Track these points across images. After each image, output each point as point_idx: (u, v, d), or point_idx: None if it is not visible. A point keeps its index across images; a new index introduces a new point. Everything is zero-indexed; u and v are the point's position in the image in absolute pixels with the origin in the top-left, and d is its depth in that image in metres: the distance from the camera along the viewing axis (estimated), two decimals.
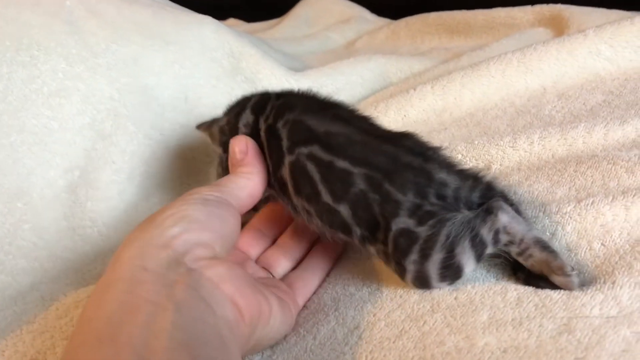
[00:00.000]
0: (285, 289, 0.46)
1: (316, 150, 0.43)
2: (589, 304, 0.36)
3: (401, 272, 0.41)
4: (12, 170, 0.58)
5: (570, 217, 0.45)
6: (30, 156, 0.60)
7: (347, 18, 1.33)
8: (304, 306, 0.47)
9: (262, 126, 0.49)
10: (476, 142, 0.58)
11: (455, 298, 0.40)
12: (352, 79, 0.87)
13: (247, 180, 0.46)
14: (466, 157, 0.57)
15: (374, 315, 0.41)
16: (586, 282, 0.40)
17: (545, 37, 0.93)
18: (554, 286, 0.39)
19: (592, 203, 0.45)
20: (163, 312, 0.32)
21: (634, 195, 0.43)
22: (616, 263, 0.40)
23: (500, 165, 0.56)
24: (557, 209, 0.46)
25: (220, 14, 0.94)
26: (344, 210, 0.42)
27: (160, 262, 0.35)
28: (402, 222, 0.40)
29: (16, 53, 0.61)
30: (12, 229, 0.57)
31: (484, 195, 0.43)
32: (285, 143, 0.45)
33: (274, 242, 0.53)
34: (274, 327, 0.40)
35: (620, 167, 0.48)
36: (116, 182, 0.65)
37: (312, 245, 0.53)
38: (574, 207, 0.45)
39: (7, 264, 0.56)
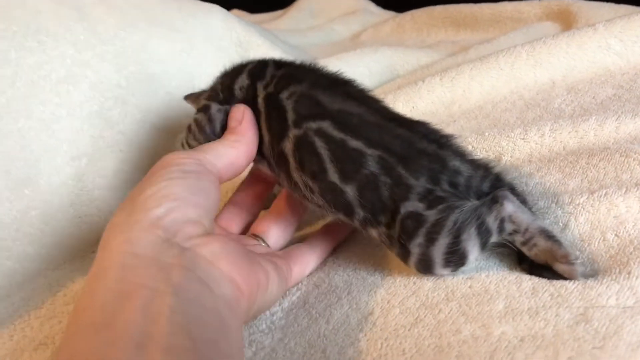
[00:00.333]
0: (278, 254, 0.45)
1: (327, 126, 0.42)
2: (605, 294, 0.36)
3: (405, 255, 0.41)
4: (20, 156, 0.58)
5: (583, 208, 0.45)
6: (37, 143, 0.59)
7: (352, 10, 1.33)
8: (315, 285, 0.46)
9: (261, 93, 0.47)
10: (486, 134, 0.58)
11: (470, 287, 0.40)
12: (359, 71, 0.87)
13: (231, 149, 0.44)
14: (477, 148, 0.57)
15: (388, 302, 0.41)
16: (590, 273, 0.40)
17: (553, 31, 0.93)
18: (556, 276, 0.39)
19: (605, 194, 0.45)
20: (160, 296, 0.31)
21: None
22: (631, 254, 0.40)
23: (511, 156, 0.56)
24: (569, 200, 0.46)
25: (224, 5, 0.94)
26: (350, 190, 0.41)
27: (151, 245, 0.34)
28: (412, 205, 0.40)
29: (24, 39, 0.60)
30: (19, 215, 0.57)
31: (494, 185, 0.43)
32: (290, 115, 0.44)
33: (254, 217, 0.52)
34: (272, 293, 0.40)
35: (633, 160, 0.48)
36: (123, 171, 0.65)
37: (301, 217, 0.52)
38: (587, 198, 0.45)
39: (14, 251, 0.56)
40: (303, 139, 0.43)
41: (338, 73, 0.48)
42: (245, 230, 0.52)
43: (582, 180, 0.49)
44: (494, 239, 0.40)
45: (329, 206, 0.43)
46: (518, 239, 0.41)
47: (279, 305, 0.45)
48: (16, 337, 0.48)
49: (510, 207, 0.40)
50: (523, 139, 0.56)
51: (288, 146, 0.44)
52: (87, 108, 0.63)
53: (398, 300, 0.41)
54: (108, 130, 0.64)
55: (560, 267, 0.39)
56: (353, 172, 0.41)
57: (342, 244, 0.52)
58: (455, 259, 0.39)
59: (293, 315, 0.43)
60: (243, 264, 0.37)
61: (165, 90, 0.70)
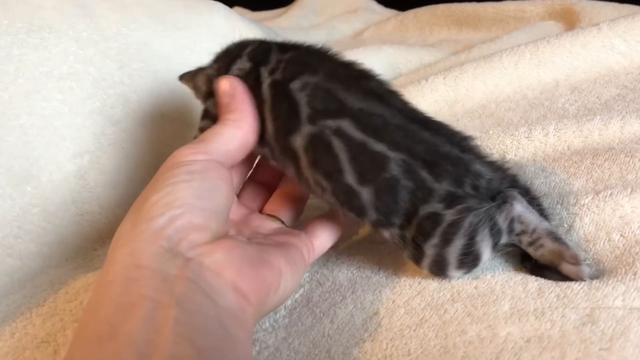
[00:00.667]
0: (297, 234, 0.44)
1: (347, 126, 0.40)
2: (611, 295, 0.36)
3: (418, 256, 0.40)
4: (22, 153, 0.58)
5: (589, 209, 0.45)
6: (39, 139, 0.59)
7: (354, 8, 1.33)
8: (319, 283, 0.46)
9: (265, 79, 0.43)
10: (490, 132, 0.58)
11: (475, 287, 0.40)
12: None
13: (236, 130, 0.42)
14: (481, 146, 0.57)
15: (393, 302, 0.41)
16: (596, 274, 0.40)
17: (556, 30, 0.93)
18: (560, 276, 0.40)
19: (610, 195, 0.45)
20: (164, 308, 0.31)
21: None
22: (637, 254, 0.39)
23: (515, 155, 0.56)
24: (574, 201, 0.46)
25: (226, 2, 0.93)
26: (366, 193, 0.40)
27: (154, 256, 0.33)
28: (432, 207, 0.39)
29: (27, 35, 0.60)
30: (21, 212, 0.57)
31: (511, 186, 0.43)
32: (304, 110, 0.41)
33: (272, 192, 0.51)
34: (286, 288, 0.39)
35: (638, 160, 0.48)
36: (125, 168, 0.65)
37: None
38: (592, 198, 0.45)
39: (16, 248, 0.56)
40: (319, 138, 0.40)
41: (355, 63, 0.45)
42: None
43: (587, 180, 0.49)
44: (504, 239, 0.40)
45: (340, 205, 0.42)
46: (525, 240, 0.41)
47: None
48: (18, 334, 0.47)
49: (519, 207, 0.40)
50: (527, 137, 0.56)
51: (299, 141, 0.41)
52: (89, 105, 0.63)
53: (403, 300, 0.41)
54: (110, 128, 0.64)
55: (566, 268, 0.39)
56: (372, 175, 0.40)
57: (346, 240, 0.52)
58: (469, 260, 0.39)
59: (297, 314, 0.43)
60: (249, 270, 0.36)
61: (169, 87, 0.69)
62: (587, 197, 0.45)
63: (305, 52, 0.46)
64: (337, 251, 0.50)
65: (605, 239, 0.42)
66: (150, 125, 0.67)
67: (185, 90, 0.61)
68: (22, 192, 0.57)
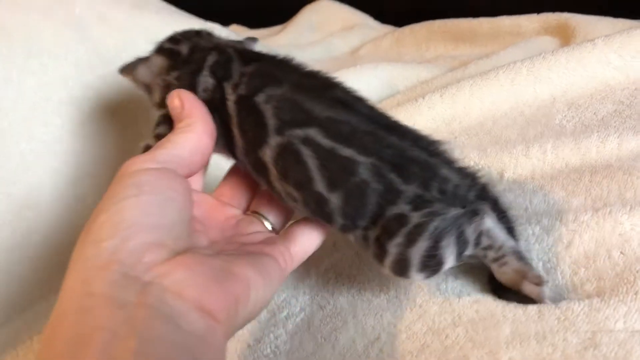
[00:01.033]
0: (273, 241, 0.42)
1: (314, 134, 0.40)
2: (613, 317, 0.36)
3: (381, 255, 0.40)
4: (22, 179, 0.58)
5: (588, 226, 0.45)
6: (39, 165, 0.59)
7: (351, 25, 1.33)
8: (319, 306, 0.46)
9: (230, 96, 0.43)
10: (488, 150, 0.58)
11: (477, 311, 0.40)
12: (359, 87, 0.86)
13: (188, 134, 0.40)
14: (478, 164, 0.57)
15: (394, 326, 0.41)
16: (557, 297, 0.40)
17: (552, 45, 0.94)
18: (520, 299, 0.40)
19: (609, 212, 0.45)
20: (122, 340, 0.28)
21: None
22: (637, 272, 0.40)
23: (513, 173, 0.56)
24: (573, 218, 0.46)
25: (223, 20, 0.94)
26: (334, 199, 0.40)
27: (107, 283, 0.31)
28: (399, 208, 0.39)
29: (26, 60, 0.60)
30: (21, 239, 0.57)
31: (479, 195, 0.43)
32: (272, 122, 0.41)
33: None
34: (258, 299, 0.37)
35: (637, 178, 0.48)
36: None
37: None
38: (591, 216, 0.45)
39: (16, 274, 0.56)
40: (287, 148, 0.40)
41: (320, 72, 0.45)
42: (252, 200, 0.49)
43: (585, 198, 0.49)
44: (469, 250, 0.40)
45: (311, 214, 0.42)
46: (491, 255, 0.42)
47: (283, 327, 0.45)
48: None
49: (489, 222, 0.41)
50: (525, 155, 0.56)
51: (268, 154, 0.41)
52: (89, 129, 0.63)
53: (404, 324, 0.41)
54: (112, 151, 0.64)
55: (528, 288, 0.40)
56: (342, 181, 0.40)
57: (345, 260, 0.51)
58: (433, 264, 0.39)
59: (298, 340, 0.43)
60: (214, 286, 0.33)
61: None
62: (586, 215, 0.46)
63: (268, 64, 0.45)
64: (337, 272, 0.50)
65: (606, 256, 0.43)
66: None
67: None
68: (22, 218, 0.58)
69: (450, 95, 0.73)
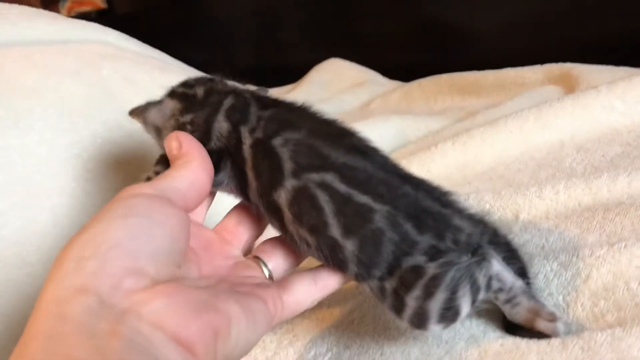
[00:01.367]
0: (266, 286, 0.41)
1: (331, 179, 0.40)
2: (635, 345, 0.37)
3: (399, 307, 0.40)
4: (53, 231, 0.60)
5: (604, 260, 0.46)
6: (69, 219, 0.62)
7: (360, 82, 1.38)
8: (346, 346, 0.46)
9: (247, 140, 0.44)
10: (502, 193, 0.60)
11: (502, 345, 0.40)
12: (372, 138, 0.89)
13: (184, 170, 0.40)
14: (494, 206, 0.59)
15: None
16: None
17: (557, 94, 0.97)
18: (530, 334, 0.41)
19: (625, 247, 0.46)
20: None
21: None
22: None
23: (528, 214, 0.57)
24: (590, 253, 0.47)
25: (235, 79, 0.98)
26: (349, 245, 0.40)
27: (81, 307, 0.29)
28: (415, 260, 0.40)
29: (59, 120, 0.64)
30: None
31: (491, 241, 0.44)
32: (288, 165, 0.41)
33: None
34: (240, 337, 0.35)
35: None
36: None
37: None
38: (607, 250, 0.46)
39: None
40: (303, 191, 0.41)
41: (336, 120, 0.46)
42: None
43: (600, 234, 0.50)
44: (481, 295, 0.41)
45: (324, 260, 0.42)
46: (502, 297, 0.42)
47: None
48: None
49: (497, 265, 0.42)
50: (539, 196, 0.58)
51: (283, 196, 0.41)
52: (117, 184, 0.66)
53: None
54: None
55: (542, 325, 0.41)
56: (358, 227, 0.40)
57: (369, 301, 0.52)
58: (450, 314, 0.40)
59: None
60: (192, 317, 0.32)
61: None
62: (602, 249, 0.47)
63: (285, 109, 0.46)
64: (361, 313, 0.51)
65: (624, 288, 0.43)
66: None
67: None
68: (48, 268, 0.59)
69: (462, 143, 0.76)
